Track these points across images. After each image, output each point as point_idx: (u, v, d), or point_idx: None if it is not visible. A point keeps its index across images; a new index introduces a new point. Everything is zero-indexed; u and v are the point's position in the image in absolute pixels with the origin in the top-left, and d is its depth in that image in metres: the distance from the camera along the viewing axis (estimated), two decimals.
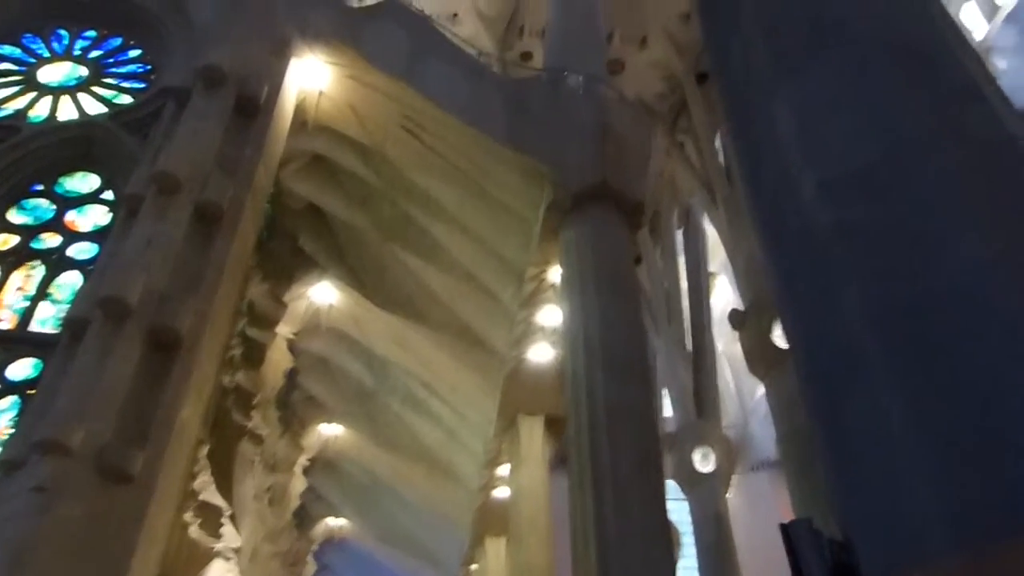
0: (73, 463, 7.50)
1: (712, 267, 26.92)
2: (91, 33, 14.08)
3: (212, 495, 11.48)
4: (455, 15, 22.15)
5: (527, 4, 22.75)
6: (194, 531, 10.67)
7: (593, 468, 9.76)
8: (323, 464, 19.60)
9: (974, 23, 19.69)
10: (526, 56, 22.42)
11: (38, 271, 11.07)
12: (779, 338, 18.31)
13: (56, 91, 13.07)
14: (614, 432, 9.95)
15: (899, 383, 3.39)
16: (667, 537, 9.72)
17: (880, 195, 3.81)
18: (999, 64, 18.18)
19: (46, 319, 10.58)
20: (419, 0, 17.77)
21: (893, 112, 3.97)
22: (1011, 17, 19.00)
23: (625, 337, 10.94)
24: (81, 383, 8.08)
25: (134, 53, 13.95)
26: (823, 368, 3.86)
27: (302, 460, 18.73)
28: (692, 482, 22.55)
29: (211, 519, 11.94)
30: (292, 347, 16.86)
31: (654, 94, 24.19)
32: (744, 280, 20.33)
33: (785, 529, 3.87)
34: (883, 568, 3.26)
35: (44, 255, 11.23)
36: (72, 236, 11.50)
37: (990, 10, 20.08)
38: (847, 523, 3.61)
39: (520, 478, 16.33)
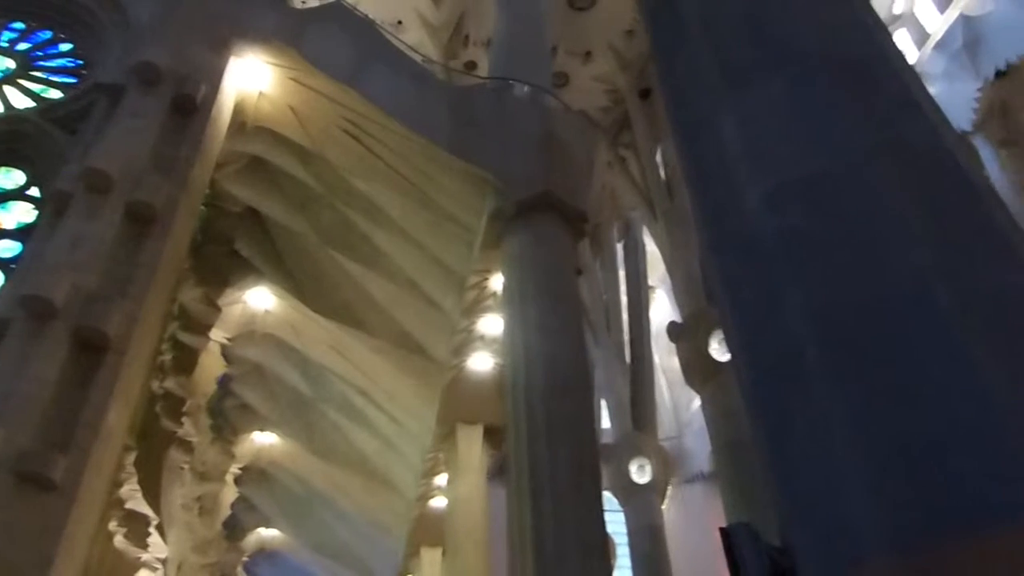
0: None
1: (651, 281, 27.33)
2: (19, 25, 13.60)
3: (139, 503, 11.13)
4: (399, 22, 22.05)
5: (472, 14, 22.78)
6: (119, 541, 10.33)
7: (532, 478, 9.75)
8: (256, 473, 19.11)
9: (904, 50, 20.41)
10: (470, 65, 22.46)
11: None
12: (716, 351, 18.67)
13: None
14: (553, 442, 9.95)
15: (839, 388, 3.45)
16: (604, 548, 9.75)
17: (822, 204, 3.89)
18: (929, 90, 18.86)
19: None
20: (363, 5, 17.63)
21: (834, 125, 4.07)
22: (940, 44, 19.82)
23: (565, 347, 10.97)
24: (1, 385, 7.71)
25: (65, 47, 13.53)
26: (766, 374, 3.91)
27: (234, 469, 18.25)
28: (628, 493, 22.77)
29: (137, 528, 11.56)
30: (226, 353, 16.43)
31: (597, 108, 24.49)
32: (682, 293, 20.69)
33: (725, 532, 3.90)
34: (820, 571, 3.31)
35: None
36: None
37: (920, 37, 20.90)
38: (786, 526, 3.66)
39: (457, 488, 16.22)
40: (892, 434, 3.21)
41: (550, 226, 11.99)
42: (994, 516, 2.90)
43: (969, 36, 19.50)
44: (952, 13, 20.01)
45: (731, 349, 4.35)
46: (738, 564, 3.70)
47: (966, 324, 3.29)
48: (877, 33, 4.68)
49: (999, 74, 19.13)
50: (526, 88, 13.32)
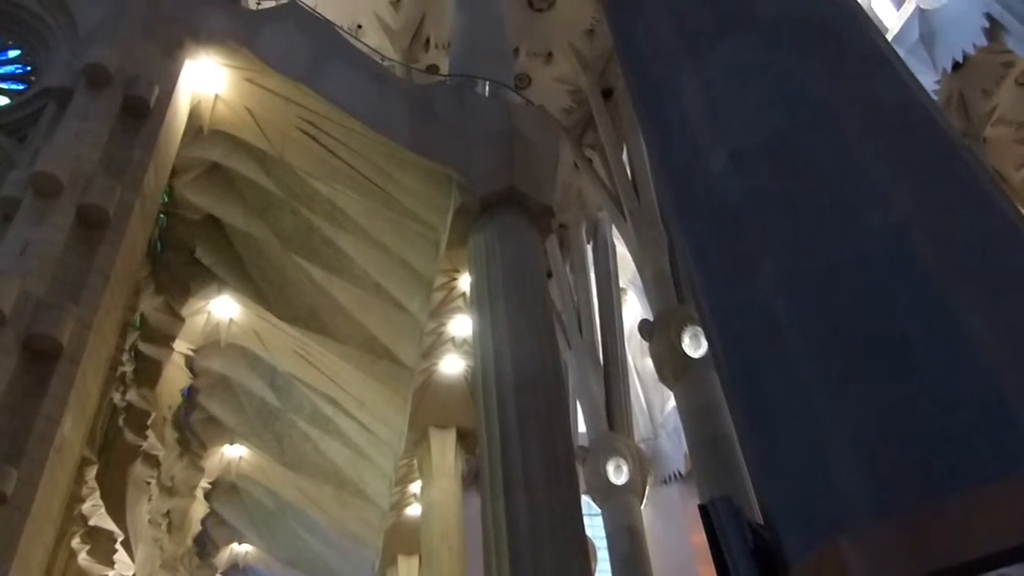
0: None
1: (621, 283, 27.28)
2: None
3: (102, 519, 10.76)
4: (359, 26, 21.85)
5: (432, 16, 22.64)
6: (83, 559, 9.94)
7: (505, 479, 9.54)
8: (226, 488, 18.69)
9: None
10: (432, 69, 22.27)
11: None
12: (688, 346, 18.63)
13: None
14: (526, 442, 9.76)
15: (816, 349, 3.33)
16: (583, 549, 9.55)
17: (789, 164, 3.78)
18: None
19: None
20: (321, 9, 17.41)
21: (800, 82, 3.97)
22: (897, 39, 20.02)
23: (535, 342, 10.80)
24: None
25: (13, 53, 13.12)
26: (738, 340, 3.78)
27: (203, 483, 17.82)
28: (606, 495, 22.59)
29: (102, 545, 11.17)
30: (191, 364, 16.06)
31: (560, 109, 24.44)
32: (653, 291, 20.63)
33: (704, 508, 3.75)
34: (806, 541, 3.17)
35: None
36: None
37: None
38: (767, 499, 3.52)
39: (432, 492, 15.96)
40: (874, 393, 3.08)
41: (516, 221, 11.84)
42: (982, 471, 2.79)
43: (925, 29, 19.75)
44: (908, 7, 20.26)
45: (700, 315, 4.22)
46: (719, 539, 3.55)
47: (947, 276, 3.19)
48: None
49: (956, 66, 19.39)
50: (487, 84, 13.18)
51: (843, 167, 3.58)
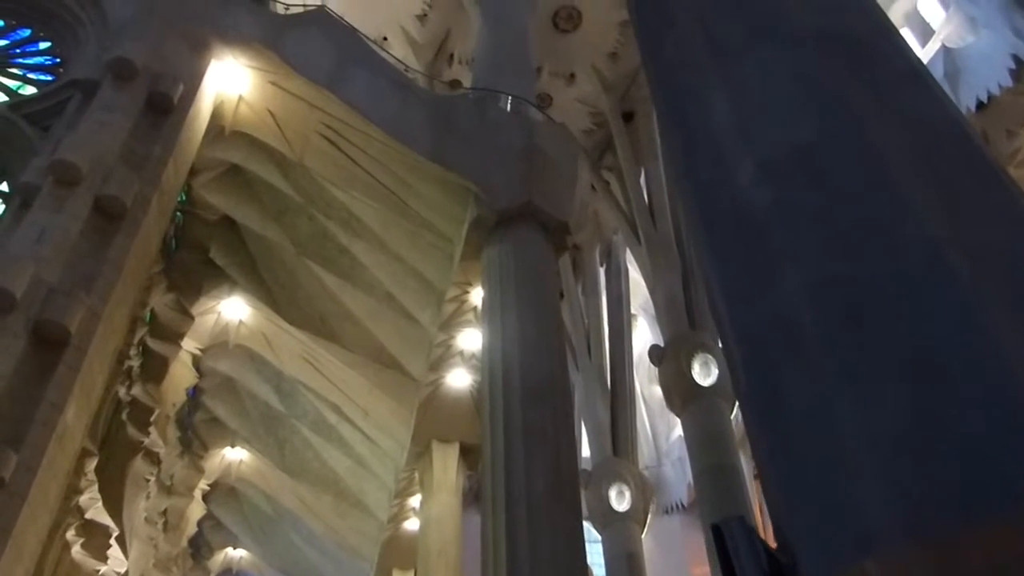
0: None
1: (632, 308, 27.14)
2: None
3: (99, 513, 10.68)
4: (384, 38, 21.98)
5: (457, 32, 22.78)
6: (77, 551, 9.86)
7: (507, 494, 9.42)
8: (225, 490, 18.58)
9: None
10: (455, 84, 22.37)
11: None
12: (698, 374, 18.48)
13: None
14: (531, 458, 9.65)
15: (841, 364, 3.20)
16: (584, 570, 9.41)
17: (818, 175, 3.69)
18: None
19: None
20: (349, 18, 17.53)
21: (832, 93, 3.89)
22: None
23: (545, 360, 10.72)
24: None
25: (44, 45, 13.27)
26: (759, 353, 3.67)
27: (202, 484, 17.72)
28: (606, 520, 22.32)
29: (97, 539, 11.09)
30: (198, 364, 16.03)
31: (580, 130, 24.46)
32: (664, 317, 20.51)
33: (717, 528, 3.62)
34: (828, 566, 3.02)
35: None
36: None
37: None
38: (785, 520, 3.39)
39: (431, 507, 15.81)
40: (903, 411, 2.95)
41: (531, 236, 11.81)
42: (1016, 493, 2.66)
43: (950, 68, 19.68)
44: (933, 45, 20.21)
45: (719, 327, 4.12)
46: (731, 562, 3.43)
47: (983, 293, 3.07)
48: (875, 11, 4.54)
49: (980, 106, 19.29)
50: (509, 98, 13.19)
51: (875, 180, 3.49)
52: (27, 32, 13.34)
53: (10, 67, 12.75)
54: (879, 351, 3.11)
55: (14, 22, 13.42)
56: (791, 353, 3.43)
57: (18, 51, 13.15)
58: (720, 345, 19.20)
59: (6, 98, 12.08)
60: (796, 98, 3.99)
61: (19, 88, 12.40)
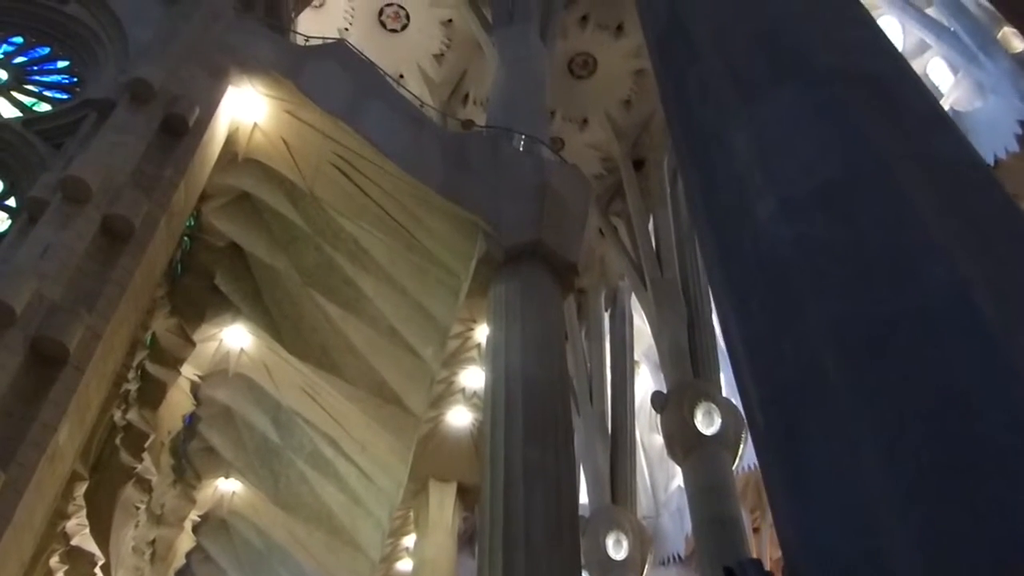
0: None
1: (635, 355, 26.94)
2: (18, 39, 13.44)
3: (85, 540, 10.43)
4: (401, 76, 22.19)
5: (473, 73, 23.02)
6: None
7: (506, 535, 9.18)
8: (216, 523, 18.24)
9: None
10: (468, 124, 22.53)
11: None
12: (701, 423, 18.22)
13: None
14: (531, 498, 9.42)
15: (867, 407, 3.07)
16: None
17: (842, 213, 3.60)
18: None
19: None
20: (366, 54, 17.71)
21: (856, 132, 3.82)
22: None
23: (548, 400, 10.55)
24: None
25: (62, 64, 13.34)
26: (779, 392, 3.54)
27: (193, 515, 17.40)
28: (604, 569, 21.85)
29: (81, 568, 10.83)
30: (196, 391, 15.84)
31: (591, 175, 24.48)
32: (668, 364, 20.33)
33: (731, 572, 3.46)
34: None
35: None
36: None
37: None
38: (802, 567, 3.22)
39: (425, 548, 15.45)
40: (933, 458, 2.81)
41: (539, 276, 11.71)
42: None
43: None
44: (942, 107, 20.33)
45: (735, 365, 3.99)
46: None
47: (1013, 335, 2.96)
48: (896, 55, 4.50)
49: None
50: (522, 137, 13.21)
51: (900, 219, 3.39)
52: (46, 50, 13.42)
53: (27, 84, 12.80)
54: (903, 392, 2.98)
55: (33, 40, 13.51)
56: (812, 393, 3.29)
57: (36, 68, 13.21)
58: (722, 392, 19.01)
59: (20, 114, 12.09)
60: (820, 137, 3.92)
61: (34, 105, 12.43)
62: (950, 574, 2.57)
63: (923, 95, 4.10)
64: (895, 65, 4.38)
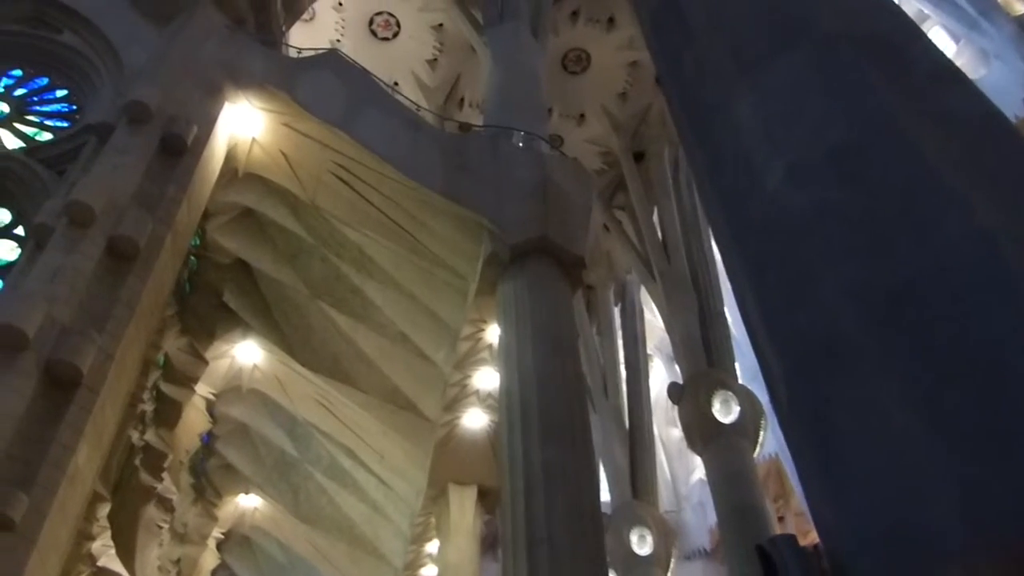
0: None
1: (647, 349, 26.86)
2: (17, 72, 13.52)
3: (111, 560, 10.45)
4: (396, 83, 22.20)
5: (467, 77, 23.03)
6: None
7: (528, 535, 9.11)
8: (238, 539, 18.24)
9: None
10: (465, 127, 22.51)
11: None
12: (719, 411, 18.14)
13: None
14: (551, 497, 9.34)
15: (896, 370, 3.01)
16: None
17: (854, 174, 3.56)
18: None
19: None
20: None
21: (865, 94, 3.77)
22: None
23: (563, 396, 10.49)
24: None
25: (61, 93, 13.40)
26: (801, 363, 3.49)
27: (216, 533, 17.41)
28: (628, 565, 21.75)
29: None
30: (211, 409, 15.86)
31: (591, 170, 24.50)
32: (682, 354, 20.26)
33: (762, 550, 3.39)
34: None
35: None
36: None
37: None
38: (840, 539, 3.16)
39: (448, 553, 15.44)
40: (969, 415, 2.75)
41: (547, 271, 11.66)
42: None
43: None
44: None
45: (755, 342, 3.94)
46: None
47: None
48: (901, 14, 4.46)
49: None
50: (521, 134, 13.19)
51: (916, 176, 3.34)
52: (45, 81, 13.49)
53: (28, 115, 12.86)
54: (933, 352, 2.93)
55: (32, 71, 13.58)
56: (837, 362, 3.24)
57: (36, 99, 13.28)
58: (739, 380, 18.89)
59: (23, 144, 12.14)
60: (826, 100, 3.88)
61: (36, 135, 12.49)
62: (994, 539, 2.52)
63: (931, 52, 4.05)
64: (901, 24, 4.34)
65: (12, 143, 12.26)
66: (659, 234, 22.90)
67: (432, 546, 17.15)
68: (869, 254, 3.30)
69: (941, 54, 4.04)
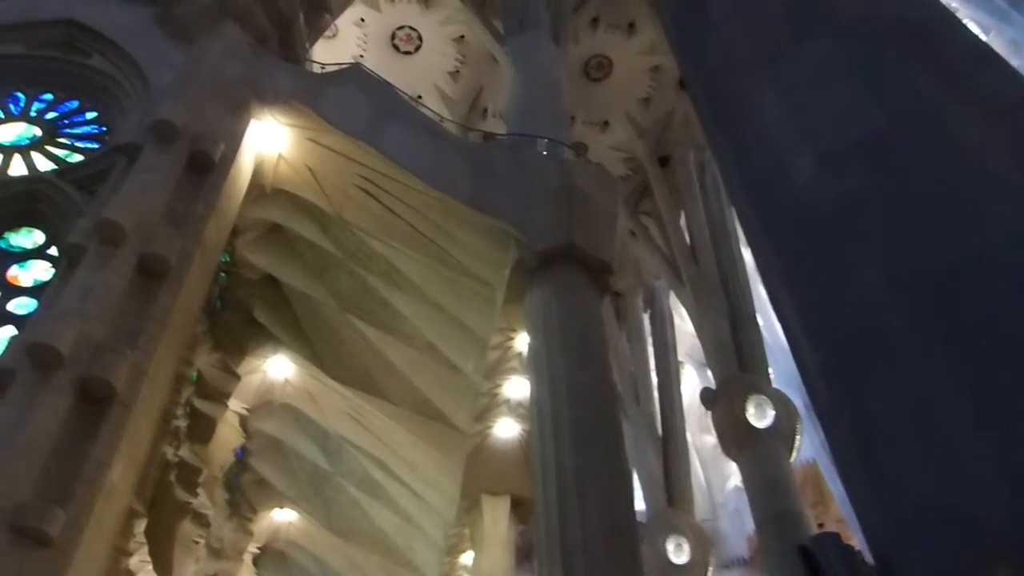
0: None
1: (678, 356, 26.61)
2: (48, 96, 13.78)
3: None
4: (419, 96, 22.31)
5: (490, 88, 23.10)
6: None
7: (563, 545, 9.00)
8: (274, 554, 18.29)
9: None
10: (489, 137, 22.56)
11: None
12: (753, 416, 17.89)
13: (7, 149, 12.63)
14: (585, 506, 9.23)
15: (939, 362, 2.91)
16: None
17: (889, 162, 3.47)
18: None
19: None
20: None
21: (897, 79, 3.69)
22: None
23: (595, 403, 10.39)
24: (1, 435, 7.28)
25: (91, 115, 13.63)
26: (840, 356, 3.40)
27: (251, 548, 17.48)
28: (665, 575, 21.50)
29: None
30: (244, 424, 15.95)
31: (616, 177, 24.40)
32: (714, 358, 20.04)
33: (805, 550, 3.29)
34: (947, 573, 2.69)
35: None
36: (12, 291, 10.84)
37: None
38: (886, 535, 3.06)
39: (483, 565, 15.32)
40: (1020, 406, 2.64)
41: (574, 277, 11.59)
42: None
43: None
44: None
45: (789, 336, 3.85)
46: None
47: None
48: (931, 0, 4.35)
49: None
50: (544, 141, 13.17)
51: (955, 161, 3.25)
52: (75, 104, 13.72)
53: (59, 137, 13.09)
54: (979, 340, 2.83)
55: (62, 95, 13.82)
56: (879, 354, 3.15)
57: (67, 122, 13.51)
58: (772, 384, 18.59)
59: (55, 167, 12.35)
60: (854, 86, 3.80)
61: (67, 157, 12.70)
62: None
63: (964, 33, 3.96)
64: (930, 6, 4.24)
65: (44, 165, 12.47)
66: (687, 238, 22.73)
67: (467, 557, 17.04)
68: (909, 242, 3.21)
69: (974, 35, 3.93)
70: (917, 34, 3.87)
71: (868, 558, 3.21)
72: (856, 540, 3.48)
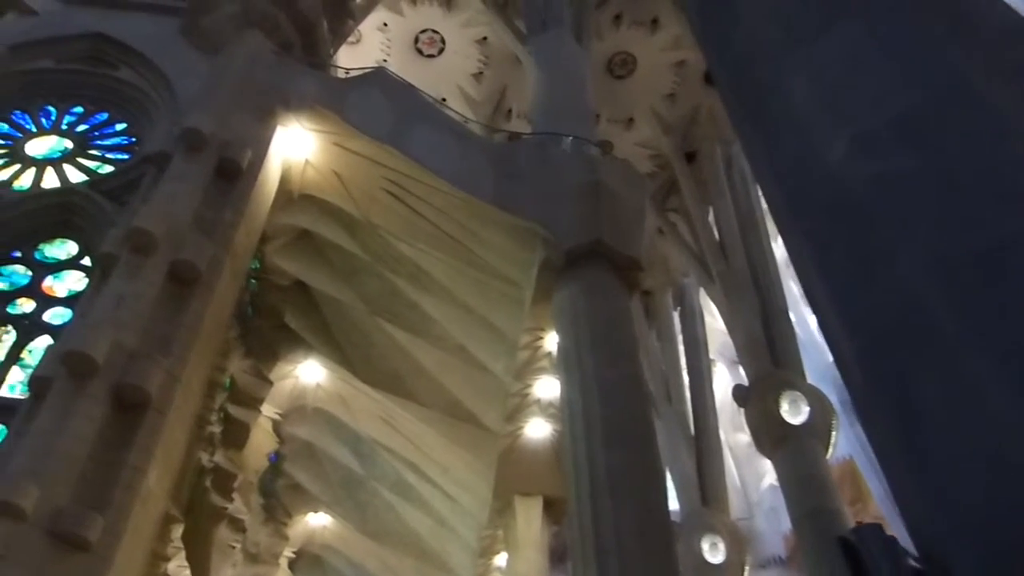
0: (26, 527, 6.74)
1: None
2: (78, 109, 14.01)
3: None
4: (443, 99, 22.37)
5: (513, 88, 23.06)
6: None
7: (597, 544, 8.92)
8: (310, 558, 18.41)
9: None
10: (514, 137, 22.55)
11: (9, 336, 10.50)
12: (787, 412, 17.65)
13: (40, 163, 12.85)
14: (619, 504, 9.15)
15: (985, 345, 2.81)
16: None
17: (926, 140, 3.37)
18: None
19: (15, 384, 9.94)
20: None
21: (932, 58, 3.58)
22: None
23: (626, 401, 10.31)
24: (39, 442, 7.38)
25: (120, 126, 13.82)
26: (877, 342, 3.30)
27: (287, 552, 17.60)
28: (701, 575, 21.28)
29: None
30: (278, 429, 16.06)
31: (643, 174, 24.25)
32: (745, 355, 19.80)
33: (846, 542, 3.20)
34: (1001, 566, 2.59)
35: (17, 320, 10.69)
36: (48, 301, 11.00)
37: None
38: (930, 526, 2.97)
39: (517, 566, 15.31)
40: None
41: (603, 275, 11.51)
42: None
43: None
44: None
45: (822, 323, 3.76)
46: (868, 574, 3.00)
47: None
48: None
49: None
50: (570, 139, 13.10)
51: (995, 138, 3.14)
52: (105, 116, 13.92)
53: (90, 149, 13.29)
54: None
55: (92, 107, 14.04)
56: (917, 336, 3.06)
57: (97, 134, 13.71)
58: (806, 379, 18.29)
59: (87, 178, 12.54)
60: (887, 66, 3.70)
61: (98, 168, 12.89)
62: None
63: (997, 6, 3.83)
64: None
65: (76, 177, 12.67)
66: (715, 234, 22.49)
67: (500, 559, 17.04)
68: (949, 224, 3.11)
69: (1007, 7, 3.81)
70: (950, 11, 3.76)
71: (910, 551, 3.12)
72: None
